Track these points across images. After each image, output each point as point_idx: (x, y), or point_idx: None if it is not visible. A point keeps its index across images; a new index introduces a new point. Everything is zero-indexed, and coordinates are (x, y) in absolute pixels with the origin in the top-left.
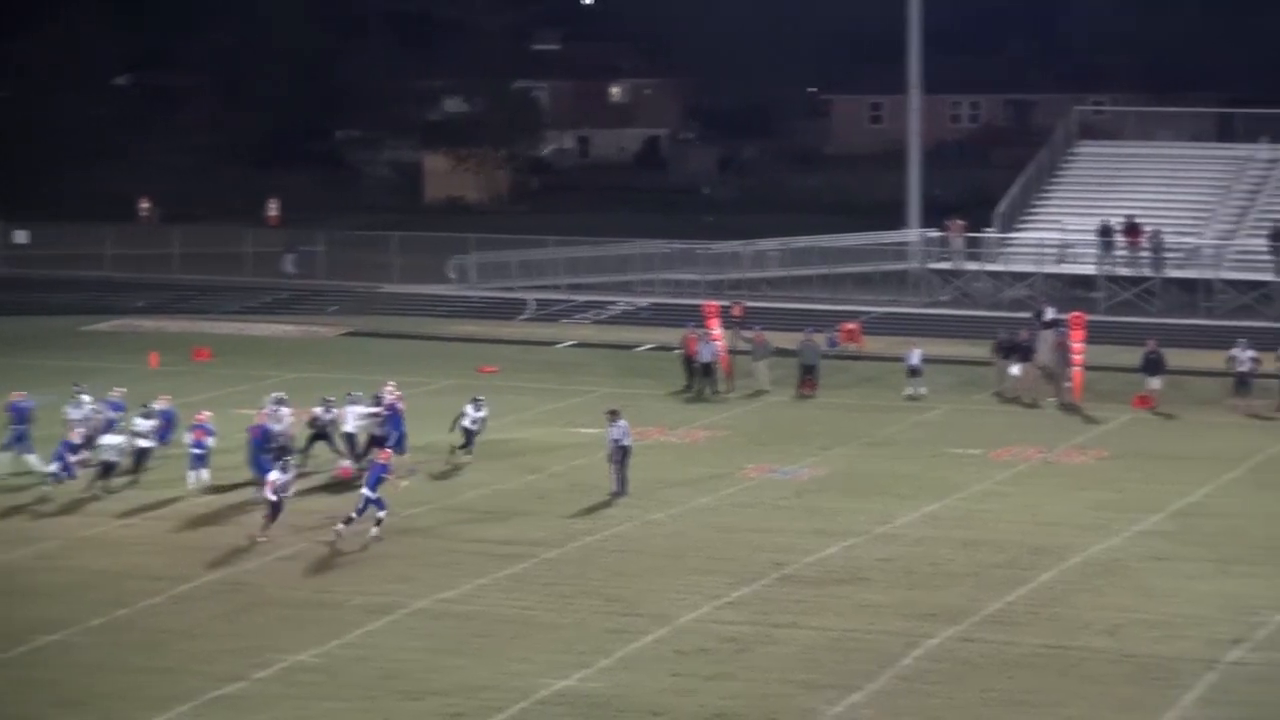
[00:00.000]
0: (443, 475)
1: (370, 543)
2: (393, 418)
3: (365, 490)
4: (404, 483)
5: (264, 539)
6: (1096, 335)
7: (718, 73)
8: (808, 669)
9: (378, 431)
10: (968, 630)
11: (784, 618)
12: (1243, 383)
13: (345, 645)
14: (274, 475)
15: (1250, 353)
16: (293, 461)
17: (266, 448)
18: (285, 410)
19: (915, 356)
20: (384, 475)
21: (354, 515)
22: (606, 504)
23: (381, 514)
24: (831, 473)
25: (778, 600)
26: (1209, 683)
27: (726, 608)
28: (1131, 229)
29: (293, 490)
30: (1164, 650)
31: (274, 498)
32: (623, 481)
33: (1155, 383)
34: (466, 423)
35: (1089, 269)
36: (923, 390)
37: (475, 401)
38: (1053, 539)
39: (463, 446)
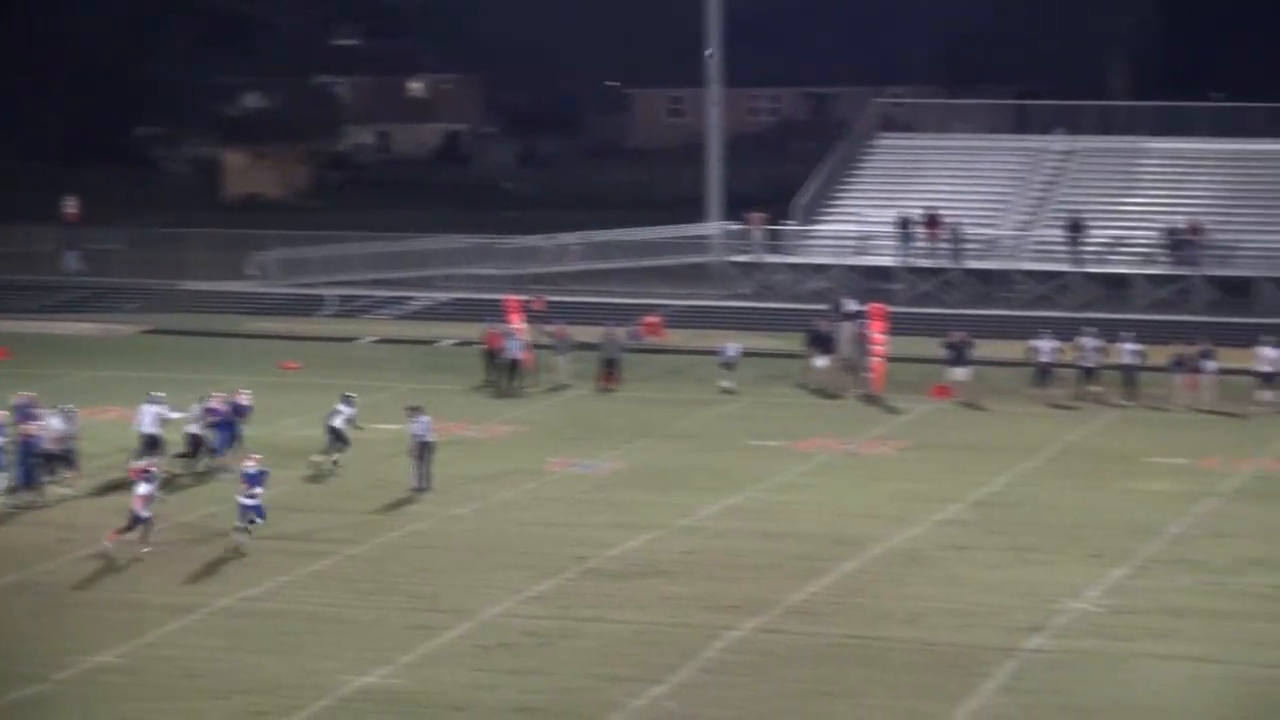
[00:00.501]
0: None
1: (237, 547)
2: (224, 421)
3: (242, 499)
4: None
5: (146, 549)
6: (898, 327)
7: (518, 68)
8: (610, 662)
9: (201, 431)
10: (770, 622)
11: (586, 611)
12: (1044, 373)
13: (148, 645)
14: (142, 489)
15: (1052, 343)
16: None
17: (32, 456)
18: (56, 421)
19: (730, 350)
20: (255, 481)
21: (241, 525)
22: (408, 500)
23: (258, 521)
24: (633, 466)
25: (580, 594)
26: (1009, 670)
27: (529, 602)
28: (931, 221)
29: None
30: (964, 639)
31: (144, 514)
32: (425, 477)
33: (960, 373)
34: (338, 422)
35: (888, 261)
36: (733, 386)
37: (346, 399)
38: (854, 530)
39: (335, 446)
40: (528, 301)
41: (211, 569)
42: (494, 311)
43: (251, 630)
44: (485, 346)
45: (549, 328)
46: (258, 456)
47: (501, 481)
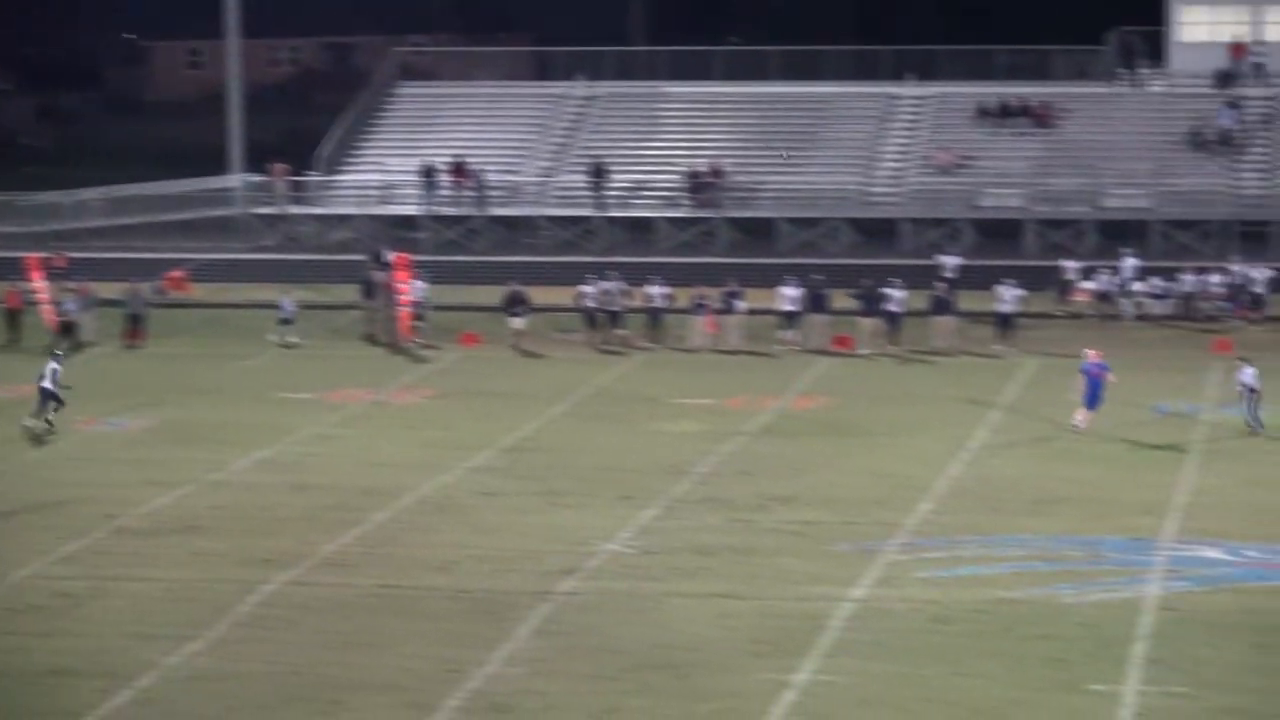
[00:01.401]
0: None
1: None
2: None
3: None
4: None
5: None
6: (427, 275)
7: (31, 18)
8: (143, 621)
9: None
10: (303, 574)
11: (118, 570)
12: (593, 318)
13: None
14: None
15: (606, 286)
16: None
17: None
18: None
19: (288, 304)
20: None
21: None
22: None
23: None
24: (161, 422)
25: (111, 553)
26: (542, 614)
27: (59, 563)
28: (455, 169)
29: None
30: (498, 584)
31: None
32: None
33: (518, 322)
34: (46, 382)
35: (413, 210)
36: (294, 340)
37: (55, 356)
38: (385, 480)
39: (47, 406)
40: (48, 259)
41: None
42: (14, 270)
43: None
44: (5, 305)
45: (71, 285)
46: None
47: (26, 442)
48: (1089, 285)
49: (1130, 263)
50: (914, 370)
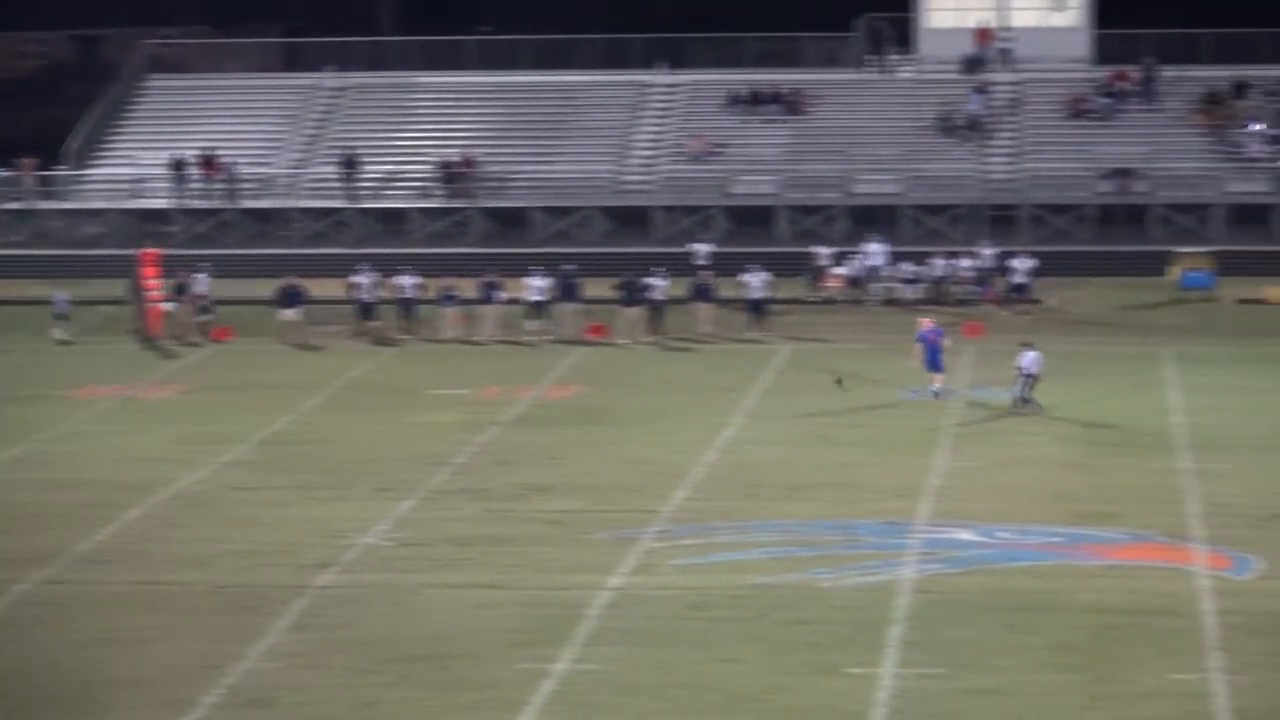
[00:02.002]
0: None
1: None
2: None
3: None
4: None
5: None
6: (177, 269)
7: None
8: None
9: None
10: (57, 572)
11: None
12: (366, 309)
13: None
14: None
15: (373, 278)
16: None
17: None
18: None
19: (60, 299)
20: None
21: None
22: None
23: None
24: None
25: None
26: (299, 608)
27: None
28: (206, 161)
29: None
30: (255, 579)
31: None
32: None
33: (290, 314)
34: None
35: (163, 203)
36: (66, 336)
37: None
38: (139, 475)
39: None
40: None
41: None
42: None
43: None
44: None
45: None
46: None
47: None
48: (841, 271)
49: (877, 248)
50: (670, 358)
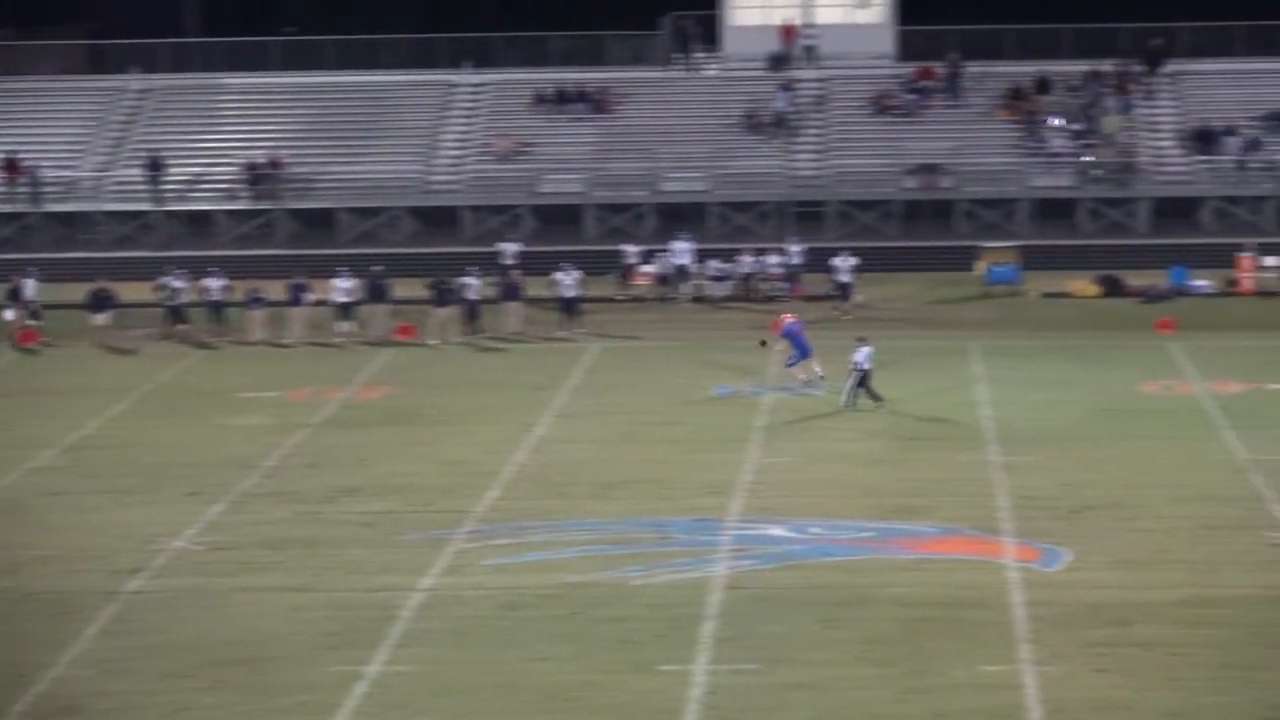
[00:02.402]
0: None
1: None
2: None
3: None
4: None
5: None
6: None
7: None
8: None
9: None
10: None
11: None
12: (177, 312)
13: None
14: None
15: (184, 283)
16: None
17: None
18: None
19: None
20: None
21: None
22: None
23: None
24: None
25: None
26: (110, 614)
27: None
28: (9, 165)
29: None
30: (65, 585)
31: None
32: None
33: (100, 319)
34: None
35: None
36: None
37: None
38: None
39: None
40: None
41: None
42: None
43: None
44: None
45: None
46: None
47: None
48: (649, 269)
49: (685, 245)
50: (481, 357)
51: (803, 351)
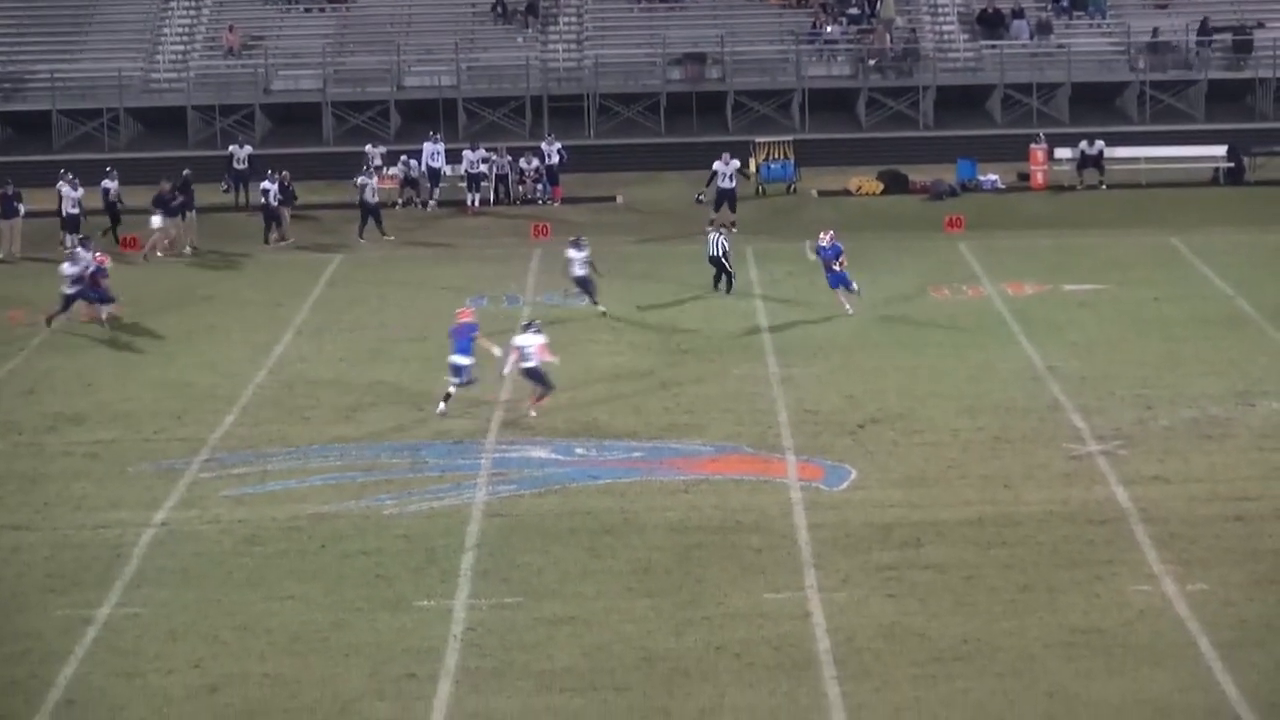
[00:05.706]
0: None
1: None
2: None
3: None
4: None
5: None
6: None
7: None
8: None
9: None
10: None
11: None
12: None
13: None
14: None
15: None
16: None
17: None
18: None
19: None
20: None
21: None
22: None
23: None
24: None
25: None
26: None
27: None
28: None
29: None
30: None
31: None
32: None
33: None
34: None
35: None
36: None
37: None
38: None
39: None
40: None
41: None
42: None
43: None
44: None
45: None
46: None
47: None
48: (394, 171)
49: (433, 146)
50: (211, 273)
51: (839, 280)
